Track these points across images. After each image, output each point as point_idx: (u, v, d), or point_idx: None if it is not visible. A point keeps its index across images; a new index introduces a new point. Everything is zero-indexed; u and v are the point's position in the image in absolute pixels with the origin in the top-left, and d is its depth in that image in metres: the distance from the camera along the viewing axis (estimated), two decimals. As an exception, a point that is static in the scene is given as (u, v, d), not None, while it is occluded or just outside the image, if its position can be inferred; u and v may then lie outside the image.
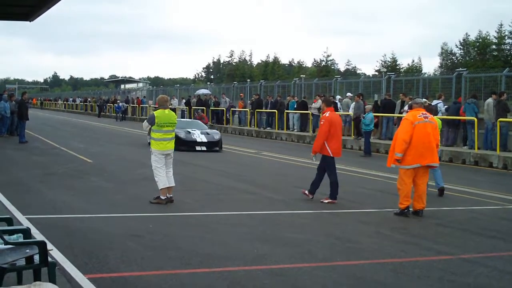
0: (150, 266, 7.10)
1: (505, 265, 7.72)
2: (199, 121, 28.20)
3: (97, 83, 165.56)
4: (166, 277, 6.70)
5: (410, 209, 11.00)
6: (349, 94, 31.72)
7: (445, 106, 25.23)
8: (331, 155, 12.36)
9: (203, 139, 23.37)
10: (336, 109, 26.08)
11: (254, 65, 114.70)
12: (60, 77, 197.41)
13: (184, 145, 22.53)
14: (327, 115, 12.44)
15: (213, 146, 23.40)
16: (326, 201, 12.20)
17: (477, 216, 11.33)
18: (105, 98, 71.05)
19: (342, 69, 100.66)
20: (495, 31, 72.51)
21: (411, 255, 8.05)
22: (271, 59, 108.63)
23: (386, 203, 12.04)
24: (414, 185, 11.08)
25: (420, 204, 11.04)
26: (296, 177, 15.92)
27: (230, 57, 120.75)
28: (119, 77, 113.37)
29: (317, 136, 12.65)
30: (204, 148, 23.02)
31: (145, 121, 11.79)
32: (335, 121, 12.42)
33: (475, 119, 21.92)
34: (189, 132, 23.72)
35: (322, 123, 12.48)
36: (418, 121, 11.00)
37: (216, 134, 24.35)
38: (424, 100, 11.87)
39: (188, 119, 31.41)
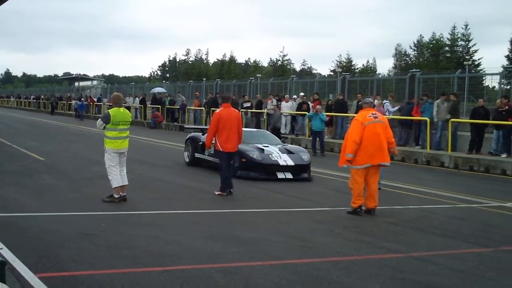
0: (102, 265, 7.03)
1: (454, 263, 7.85)
2: (266, 132, 20.43)
3: (51, 80, 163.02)
4: (118, 276, 6.64)
5: (362, 208, 11.11)
6: (301, 94, 31.91)
7: (398, 107, 25.61)
8: (221, 150, 12.89)
9: (288, 161, 15.53)
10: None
11: (210, 64, 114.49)
12: (13, 74, 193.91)
13: (258, 170, 15.37)
14: (217, 111, 13.27)
15: (301, 171, 15.69)
16: (217, 193, 12.66)
17: (428, 214, 11.50)
18: (58, 95, 70.10)
19: (298, 69, 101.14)
20: (449, 33, 73.78)
21: (363, 253, 8.14)
22: (227, 58, 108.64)
23: (340, 202, 12.14)
24: (365, 184, 11.21)
25: (372, 203, 11.17)
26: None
27: (186, 55, 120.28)
28: (73, 74, 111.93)
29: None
30: (289, 176, 15.38)
31: (99, 119, 11.66)
32: (224, 117, 12.87)
33: (428, 119, 22.28)
34: (262, 149, 15.97)
35: (212, 118, 13.26)
36: (368, 122, 11.12)
37: (303, 153, 16.26)
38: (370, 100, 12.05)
39: (251, 129, 20.62)
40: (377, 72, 72.92)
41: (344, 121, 27.11)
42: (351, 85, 32.60)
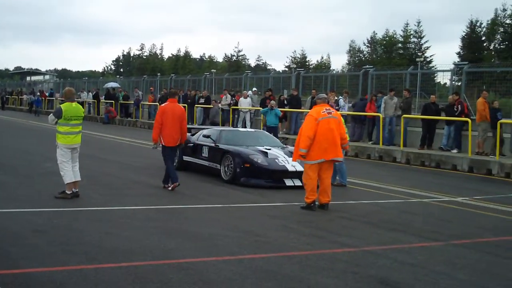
0: (54, 262, 6.94)
1: (405, 256, 7.98)
2: (264, 132, 18.36)
3: (2, 74, 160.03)
4: (70, 272, 6.57)
5: (316, 203, 11.20)
6: (254, 89, 31.98)
7: (352, 102, 25.88)
8: (163, 144, 13.07)
9: (297, 166, 13.63)
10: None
11: (165, 59, 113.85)
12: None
13: (264, 176, 13.68)
14: (162, 105, 13.46)
15: None
16: (170, 187, 12.74)
17: (380, 209, 11.65)
18: (9, 90, 68.85)
19: (252, 64, 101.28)
20: (401, 30, 74.99)
21: (316, 248, 8.20)
22: (182, 53, 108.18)
23: (293, 197, 12.20)
24: (319, 179, 11.30)
25: (325, 198, 11.27)
26: (203, 171, 15.89)
27: (141, 50, 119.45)
28: (24, 68, 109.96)
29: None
30: (298, 183, 13.45)
31: (51, 114, 11.47)
32: (167, 112, 13.00)
33: (380, 115, 22.57)
34: (266, 153, 14.26)
35: (157, 113, 13.45)
36: (322, 117, 11.21)
37: None
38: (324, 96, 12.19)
39: (248, 129, 19.71)
40: (331, 68, 73.58)
41: (298, 116, 27.29)
42: (305, 81, 32.76)
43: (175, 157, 13.50)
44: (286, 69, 78.37)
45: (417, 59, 40.21)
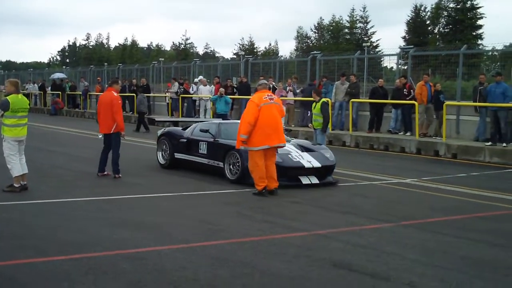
0: (3, 257, 6.83)
1: (357, 238, 8.08)
2: None
3: None
4: (20, 266, 6.48)
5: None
6: (200, 77, 31.87)
7: (301, 88, 26.02)
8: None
9: (313, 162, 12.54)
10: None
11: (112, 49, 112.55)
12: None
13: (278, 174, 11.69)
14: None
15: (326, 174, 12.82)
16: (116, 176, 12.94)
17: (331, 193, 11.77)
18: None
19: (201, 52, 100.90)
20: (348, 16, 75.50)
21: (268, 234, 8.25)
22: (129, 43, 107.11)
23: (245, 184, 12.20)
24: (265, 166, 11.36)
25: (273, 184, 11.34)
26: (151, 160, 15.81)
27: (87, 40, 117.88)
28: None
29: None
30: (315, 181, 12.46)
31: (-3, 107, 11.24)
32: (101, 100, 13.44)
33: (329, 100, 22.74)
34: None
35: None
36: (263, 103, 11.27)
37: (324, 150, 13.35)
38: (265, 82, 12.33)
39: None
40: (279, 55, 73.73)
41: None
42: (254, 67, 32.79)
43: (116, 147, 13.15)
44: (235, 56, 78.35)
45: (364, 44, 40.79)
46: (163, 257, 6.95)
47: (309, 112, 17.12)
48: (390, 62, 31.41)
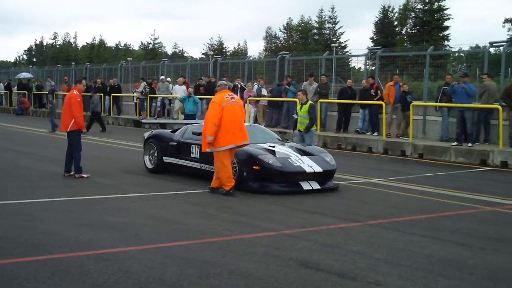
0: (-34, 258, 6.74)
1: (324, 238, 8.12)
2: (258, 125, 17.03)
3: None
4: (-16, 268, 6.39)
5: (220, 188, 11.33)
6: (162, 77, 31.81)
7: (270, 88, 26.09)
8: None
9: (314, 166, 11.98)
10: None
11: (79, 48, 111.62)
12: None
13: (277, 180, 11.67)
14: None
15: (327, 179, 12.30)
16: (85, 175, 12.83)
17: (298, 193, 11.77)
18: None
19: (169, 52, 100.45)
20: (316, 16, 75.72)
21: (236, 233, 8.25)
22: (97, 42, 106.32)
23: (204, 184, 12.09)
24: None
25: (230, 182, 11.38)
26: (120, 160, 15.74)
27: (54, 39, 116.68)
28: None
29: None
30: (316, 186, 11.89)
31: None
32: (65, 99, 13.38)
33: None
34: (273, 151, 12.19)
35: None
36: (226, 103, 11.31)
37: (324, 154, 12.76)
38: (225, 82, 12.46)
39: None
40: (248, 55, 73.73)
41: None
42: (222, 67, 32.79)
43: (75, 146, 12.96)
44: (204, 56, 78.19)
45: (332, 45, 40.78)
46: (130, 258, 6.90)
47: (294, 115, 16.36)
48: (358, 63, 31.56)
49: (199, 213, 9.65)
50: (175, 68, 37.44)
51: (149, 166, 14.10)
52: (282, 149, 12.37)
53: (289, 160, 11.94)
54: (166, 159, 13.69)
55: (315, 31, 76.18)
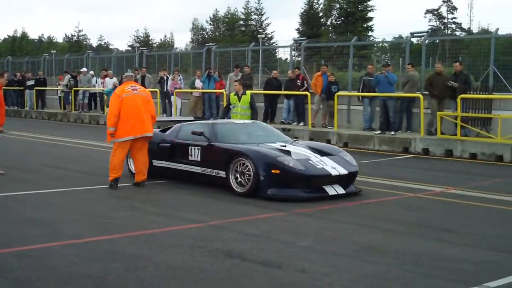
0: None
1: (250, 228, 8.19)
2: (261, 123, 13.92)
3: None
4: None
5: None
6: (84, 69, 31.38)
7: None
8: None
9: (338, 168, 10.61)
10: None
11: (0, 41, 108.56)
12: None
13: (300, 185, 10.26)
14: None
15: (351, 181, 10.95)
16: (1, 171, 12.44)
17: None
18: None
19: (94, 44, 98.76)
20: (243, 8, 75.86)
21: (163, 226, 8.22)
22: (19, 34, 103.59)
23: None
24: (133, 158, 11.47)
25: (141, 177, 11.38)
26: (44, 154, 15.42)
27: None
28: None
29: None
30: (341, 190, 10.47)
31: None
32: None
33: (224, 92, 22.88)
34: (289, 151, 10.81)
35: None
36: (126, 94, 11.25)
37: (342, 153, 11.37)
38: (132, 74, 12.40)
39: (244, 121, 13.32)
40: (175, 47, 73.29)
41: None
42: (149, 59, 32.50)
43: None
44: (130, 48, 77.23)
45: (259, 36, 40.97)
46: (53, 254, 6.79)
47: (231, 106, 15.53)
48: (284, 54, 31.85)
49: (125, 206, 9.57)
50: (100, 61, 36.88)
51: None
52: (297, 149, 11.02)
53: (310, 161, 10.54)
54: (157, 163, 12.08)
55: (241, 22, 76.30)
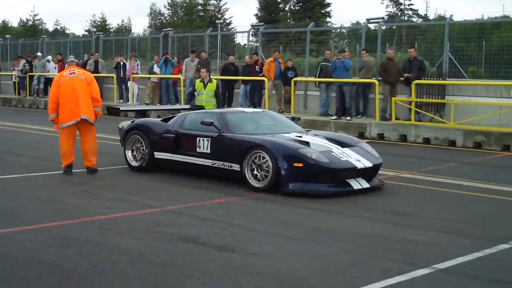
0: None
1: (206, 212, 8.26)
2: (270, 111, 13.05)
3: None
4: None
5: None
6: (39, 53, 30.98)
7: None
8: None
9: (363, 161, 9.93)
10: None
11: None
12: None
13: (324, 179, 9.58)
14: None
15: (373, 174, 10.22)
16: None
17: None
18: None
19: (50, 29, 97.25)
20: (201, -8, 75.38)
21: (118, 211, 8.23)
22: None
23: (98, 162, 11.88)
24: (80, 142, 11.35)
25: (86, 163, 11.32)
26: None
27: None
28: None
29: None
30: (365, 184, 9.79)
31: None
32: None
33: (181, 77, 22.86)
34: (308, 142, 10.07)
35: None
36: (63, 79, 11.19)
37: (363, 144, 10.75)
38: (72, 58, 12.32)
39: (254, 109, 14.29)
40: (132, 32, 72.61)
41: (100, 81, 26.73)
42: (106, 44, 32.22)
43: None
44: (86, 33, 76.28)
45: (217, 21, 40.95)
46: (7, 240, 6.79)
47: (196, 93, 15.21)
48: (243, 39, 31.93)
49: (80, 192, 9.54)
50: (56, 46, 36.40)
51: (134, 164, 11.50)
52: (316, 140, 10.32)
53: (333, 153, 9.82)
54: (159, 155, 11.25)
55: (200, 7, 75.94)
